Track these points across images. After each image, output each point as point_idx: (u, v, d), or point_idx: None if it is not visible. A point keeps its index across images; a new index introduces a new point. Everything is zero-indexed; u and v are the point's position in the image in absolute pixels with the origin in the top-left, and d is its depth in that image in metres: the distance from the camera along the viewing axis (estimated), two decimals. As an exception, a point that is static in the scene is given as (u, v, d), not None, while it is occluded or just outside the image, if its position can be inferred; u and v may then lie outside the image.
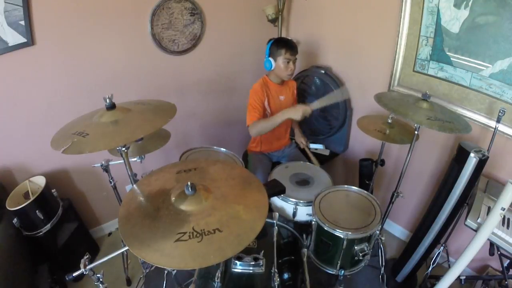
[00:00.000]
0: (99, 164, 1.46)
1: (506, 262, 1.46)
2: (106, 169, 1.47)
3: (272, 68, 1.80)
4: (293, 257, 1.36)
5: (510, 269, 1.49)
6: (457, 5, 1.45)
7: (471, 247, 1.23)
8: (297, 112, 1.62)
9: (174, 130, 1.69)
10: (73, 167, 1.96)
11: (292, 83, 2.01)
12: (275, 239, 1.25)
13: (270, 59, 1.78)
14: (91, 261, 0.96)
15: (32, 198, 1.58)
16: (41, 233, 1.67)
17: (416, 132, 1.43)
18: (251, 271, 1.18)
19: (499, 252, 1.41)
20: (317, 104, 1.68)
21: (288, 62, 1.76)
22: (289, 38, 1.84)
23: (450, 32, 1.51)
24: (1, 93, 1.59)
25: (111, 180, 1.54)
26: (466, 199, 1.43)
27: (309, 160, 2.01)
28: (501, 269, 1.44)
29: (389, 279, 1.83)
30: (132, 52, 1.89)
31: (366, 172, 1.92)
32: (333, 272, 1.42)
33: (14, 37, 1.49)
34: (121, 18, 1.77)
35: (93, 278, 0.99)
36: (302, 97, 2.19)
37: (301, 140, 2.02)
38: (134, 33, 1.85)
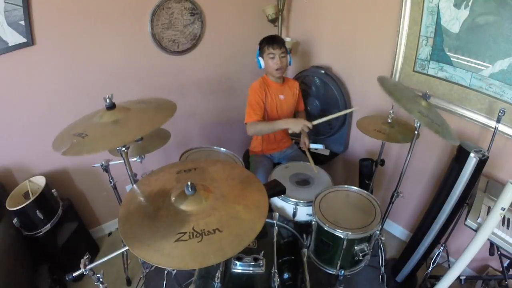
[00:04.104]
0: (99, 164, 1.46)
1: (506, 262, 1.45)
2: (106, 169, 1.47)
3: (263, 67, 1.83)
4: (293, 257, 1.36)
5: (510, 269, 1.49)
6: (457, 5, 1.45)
7: (471, 247, 1.23)
8: (297, 126, 1.63)
9: (174, 130, 1.69)
10: (73, 167, 1.96)
11: (293, 83, 2.00)
12: (275, 239, 1.25)
13: (260, 58, 1.82)
14: (91, 261, 0.96)
15: (32, 198, 1.58)
16: (41, 233, 1.66)
17: (416, 132, 1.43)
18: (251, 272, 1.18)
19: (499, 252, 1.41)
20: (319, 121, 1.67)
21: (273, 58, 1.76)
22: (276, 34, 1.85)
23: (450, 32, 1.51)
24: (1, 93, 1.59)
25: (111, 180, 1.54)
26: (466, 199, 1.42)
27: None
28: (501, 269, 1.44)
29: (389, 279, 1.83)
30: (132, 52, 1.89)
31: (366, 172, 1.92)
32: (333, 272, 1.42)
33: (14, 37, 1.49)
34: (121, 18, 1.77)
35: (93, 278, 0.99)
36: (302, 97, 2.19)
37: (304, 140, 1.98)
38: (134, 33, 1.85)
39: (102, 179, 1.90)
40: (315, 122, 1.64)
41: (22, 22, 1.48)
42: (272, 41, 1.75)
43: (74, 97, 1.77)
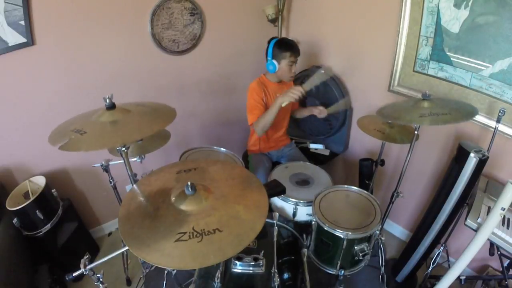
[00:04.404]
0: (99, 164, 1.45)
1: (506, 262, 1.45)
2: (106, 169, 1.47)
3: (276, 71, 1.79)
4: (293, 257, 1.36)
5: (510, 269, 1.49)
6: (457, 5, 1.45)
7: (471, 247, 1.23)
8: (285, 95, 1.63)
9: (174, 130, 1.69)
10: (73, 167, 1.96)
11: (289, 83, 1.99)
12: (275, 239, 1.25)
13: (274, 61, 1.76)
14: (91, 261, 0.96)
15: (32, 198, 1.58)
16: (41, 233, 1.66)
17: (416, 132, 1.43)
18: (251, 271, 1.18)
19: (499, 252, 1.41)
20: (307, 86, 1.67)
21: (291, 65, 1.77)
22: (291, 39, 1.84)
23: (450, 32, 1.51)
24: (1, 93, 1.59)
25: (111, 180, 1.54)
26: (466, 199, 1.42)
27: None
28: (501, 269, 1.44)
29: (389, 279, 1.83)
30: (132, 52, 1.89)
31: (366, 172, 1.92)
32: (333, 272, 1.42)
33: (14, 37, 1.49)
34: (121, 18, 1.77)
35: (93, 278, 0.99)
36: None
37: (319, 108, 1.94)
38: (134, 33, 1.85)
39: (102, 179, 1.90)
40: (306, 87, 1.64)
41: (22, 22, 1.48)
42: (296, 50, 1.75)
43: (74, 97, 1.77)
